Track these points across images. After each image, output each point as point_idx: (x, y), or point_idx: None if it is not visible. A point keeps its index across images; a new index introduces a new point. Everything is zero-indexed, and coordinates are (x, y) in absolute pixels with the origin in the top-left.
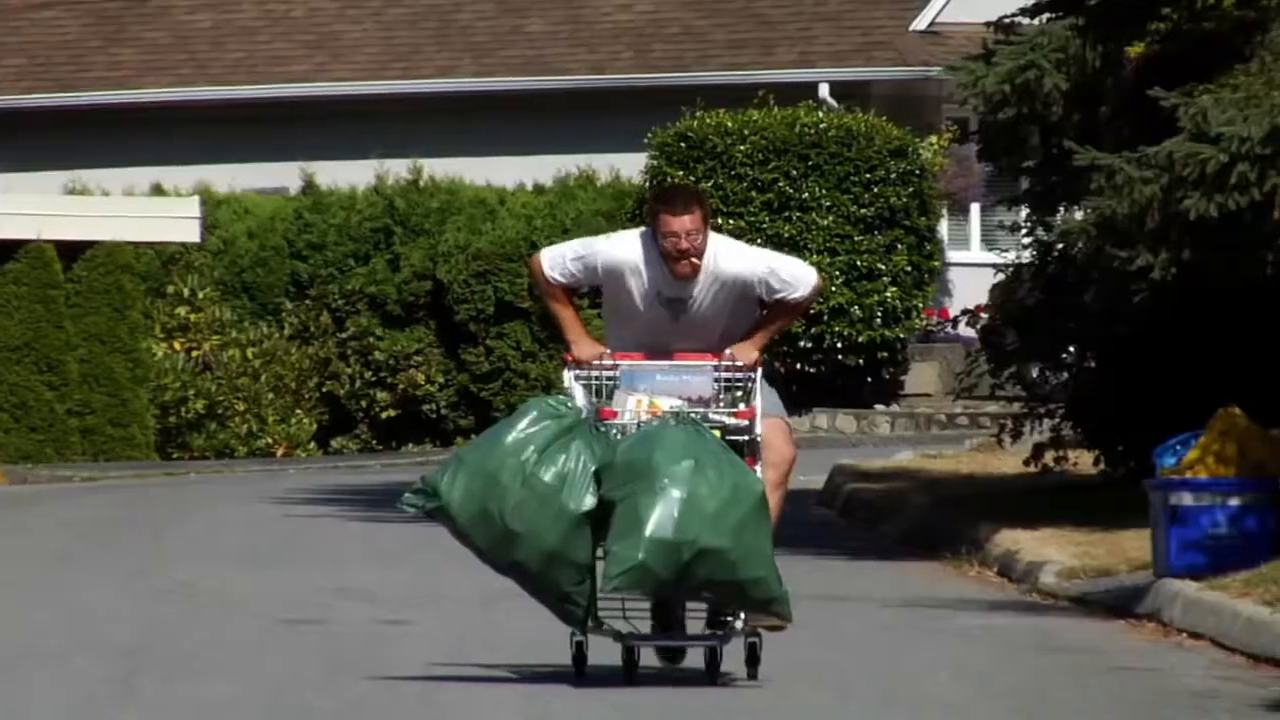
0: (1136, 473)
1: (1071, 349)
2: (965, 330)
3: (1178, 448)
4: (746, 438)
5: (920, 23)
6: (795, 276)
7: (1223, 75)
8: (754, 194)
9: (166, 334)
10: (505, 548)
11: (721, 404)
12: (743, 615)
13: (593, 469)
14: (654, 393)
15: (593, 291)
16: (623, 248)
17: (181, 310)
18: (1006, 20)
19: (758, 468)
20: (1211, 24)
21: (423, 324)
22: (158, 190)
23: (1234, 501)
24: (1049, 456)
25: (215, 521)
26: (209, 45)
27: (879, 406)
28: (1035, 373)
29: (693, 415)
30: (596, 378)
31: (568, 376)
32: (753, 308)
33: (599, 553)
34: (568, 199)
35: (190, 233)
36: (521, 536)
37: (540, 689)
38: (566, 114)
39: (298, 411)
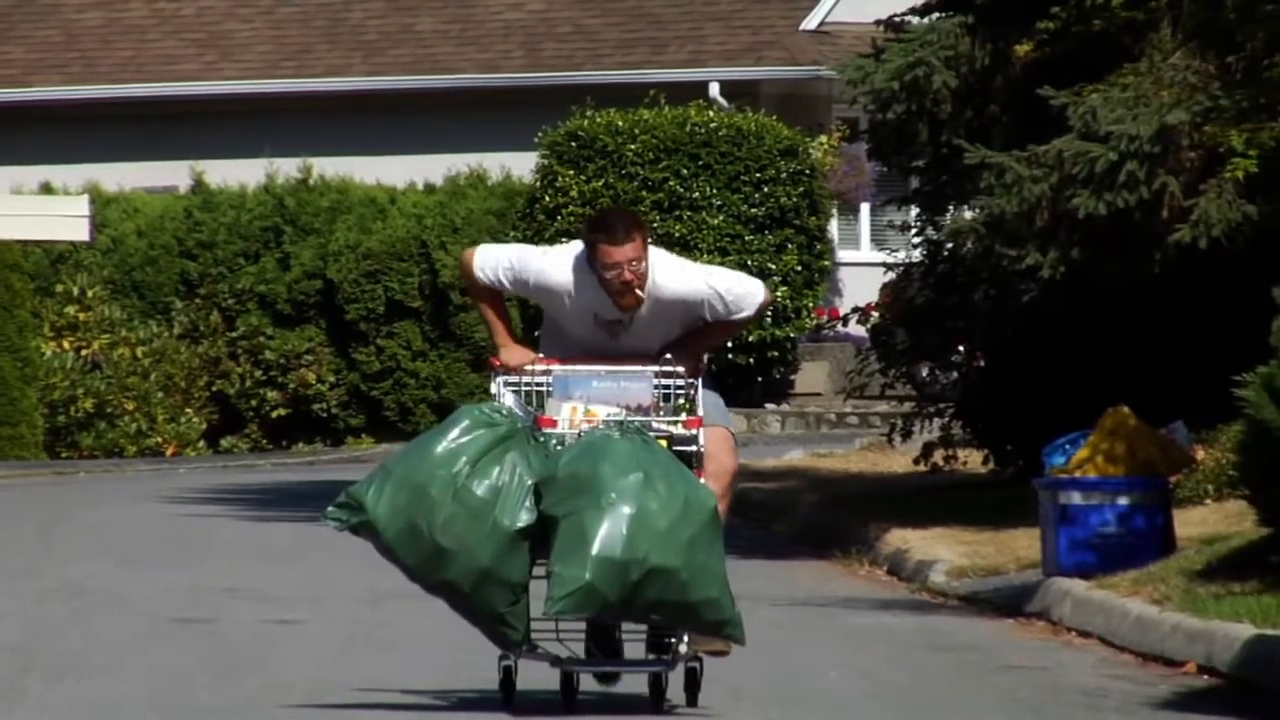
0: (1026, 472)
1: (961, 348)
2: (855, 329)
3: (1067, 447)
4: (695, 448)
5: (810, 22)
6: (740, 296)
7: (1112, 74)
8: (645, 193)
9: (55, 333)
10: (435, 565)
11: (663, 412)
12: (686, 638)
13: (529, 482)
14: (590, 400)
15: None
16: (558, 269)
17: (70, 309)
18: (896, 19)
19: (702, 480)
20: (1101, 23)
21: (313, 323)
22: (46, 189)
23: (1123, 500)
24: (938, 455)
25: (105, 521)
26: (99, 44)
27: (769, 406)
28: (925, 372)
29: (637, 425)
30: (528, 384)
31: (496, 383)
32: (696, 324)
33: (537, 572)
34: (458, 198)
35: (79, 231)
36: (452, 554)
37: (430, 686)
38: (457, 113)
39: (187, 410)
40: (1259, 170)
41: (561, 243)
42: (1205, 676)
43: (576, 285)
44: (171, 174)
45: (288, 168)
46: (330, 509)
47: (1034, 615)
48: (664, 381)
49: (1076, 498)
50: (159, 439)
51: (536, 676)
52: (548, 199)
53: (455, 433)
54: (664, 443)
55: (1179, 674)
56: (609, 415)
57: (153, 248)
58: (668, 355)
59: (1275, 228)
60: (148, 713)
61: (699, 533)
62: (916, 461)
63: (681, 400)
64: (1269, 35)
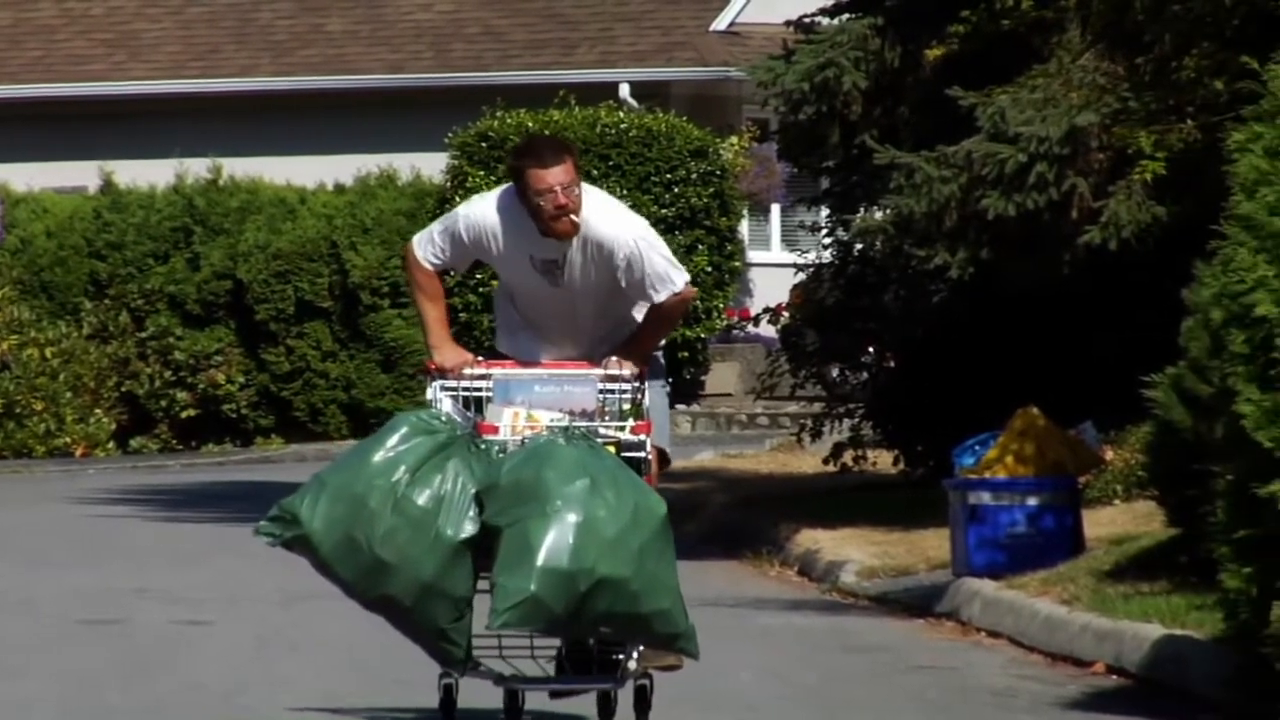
0: (936, 472)
1: (871, 349)
2: (766, 330)
3: (976, 447)
4: (643, 454)
5: (720, 23)
6: (659, 275)
7: (1021, 75)
8: None
9: None
10: (374, 580)
11: (608, 417)
12: (635, 655)
13: (473, 491)
14: (532, 405)
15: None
16: (484, 210)
17: None
18: (806, 19)
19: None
20: (1010, 24)
21: (223, 323)
22: None
23: (1032, 501)
24: (848, 456)
25: (13, 521)
26: (7, 44)
27: (680, 406)
28: (835, 373)
29: (583, 429)
30: (466, 389)
31: (432, 387)
32: (617, 285)
33: (481, 585)
34: (368, 198)
35: None
36: (393, 568)
37: (343, 689)
38: (367, 113)
39: (97, 411)
40: (1167, 172)
41: None
42: (1114, 676)
43: (506, 225)
44: (80, 174)
45: (197, 168)
46: (262, 523)
47: (944, 615)
48: (609, 386)
49: (986, 498)
50: (68, 439)
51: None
52: (458, 199)
53: (393, 440)
54: (612, 448)
55: (1088, 674)
56: (552, 421)
57: (62, 248)
58: (612, 359)
59: (1184, 229)
60: (57, 714)
61: (649, 541)
62: (826, 462)
63: (628, 405)
64: (1177, 36)
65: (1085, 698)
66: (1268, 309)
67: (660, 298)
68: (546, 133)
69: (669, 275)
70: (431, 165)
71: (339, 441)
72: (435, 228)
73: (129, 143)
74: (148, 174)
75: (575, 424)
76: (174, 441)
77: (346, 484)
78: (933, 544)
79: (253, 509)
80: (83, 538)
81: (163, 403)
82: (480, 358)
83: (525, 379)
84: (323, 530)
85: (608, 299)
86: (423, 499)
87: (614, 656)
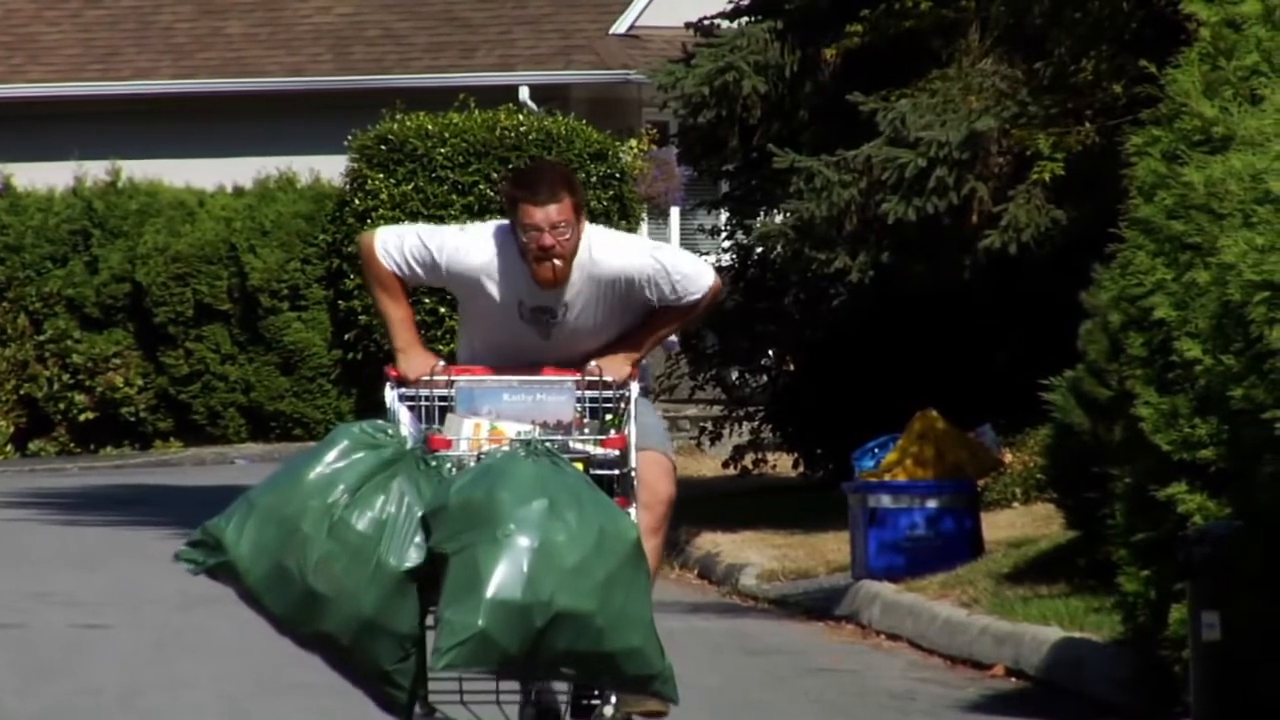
0: (835, 475)
1: (771, 352)
2: None
3: (876, 450)
4: (618, 472)
5: (620, 26)
6: (688, 276)
7: (921, 79)
8: (455, 197)
9: None
10: (308, 614)
11: (586, 430)
12: (614, 698)
13: (419, 513)
14: (499, 416)
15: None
16: (476, 248)
17: None
18: (706, 22)
19: (631, 510)
20: (910, 23)
21: (121, 326)
22: None
23: (932, 504)
24: (748, 459)
25: None
26: None
27: None
28: (734, 375)
29: (547, 443)
30: (428, 398)
31: (390, 396)
32: (641, 315)
33: (429, 620)
34: (268, 201)
35: None
36: (328, 600)
37: (242, 692)
38: (266, 116)
39: None
40: (1066, 174)
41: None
42: (1013, 679)
43: (501, 265)
44: None
45: (96, 170)
46: (184, 549)
47: (843, 618)
48: (589, 393)
49: (886, 501)
50: None
51: None
52: (357, 202)
53: (331, 455)
54: (580, 465)
55: (987, 677)
56: (519, 434)
57: None
58: (593, 364)
59: (1083, 232)
60: None
61: (617, 570)
62: (726, 465)
63: (610, 416)
64: (1076, 40)
65: (984, 700)
66: (1166, 312)
67: (700, 294)
68: (446, 134)
69: (700, 271)
70: (331, 168)
71: (238, 445)
72: (409, 240)
73: (27, 145)
74: (46, 177)
75: (542, 436)
76: (72, 444)
77: (277, 505)
78: (832, 547)
79: (152, 512)
80: None
81: (61, 405)
82: (445, 363)
83: (493, 387)
84: (250, 557)
85: (612, 331)
86: (362, 523)
87: (584, 701)
